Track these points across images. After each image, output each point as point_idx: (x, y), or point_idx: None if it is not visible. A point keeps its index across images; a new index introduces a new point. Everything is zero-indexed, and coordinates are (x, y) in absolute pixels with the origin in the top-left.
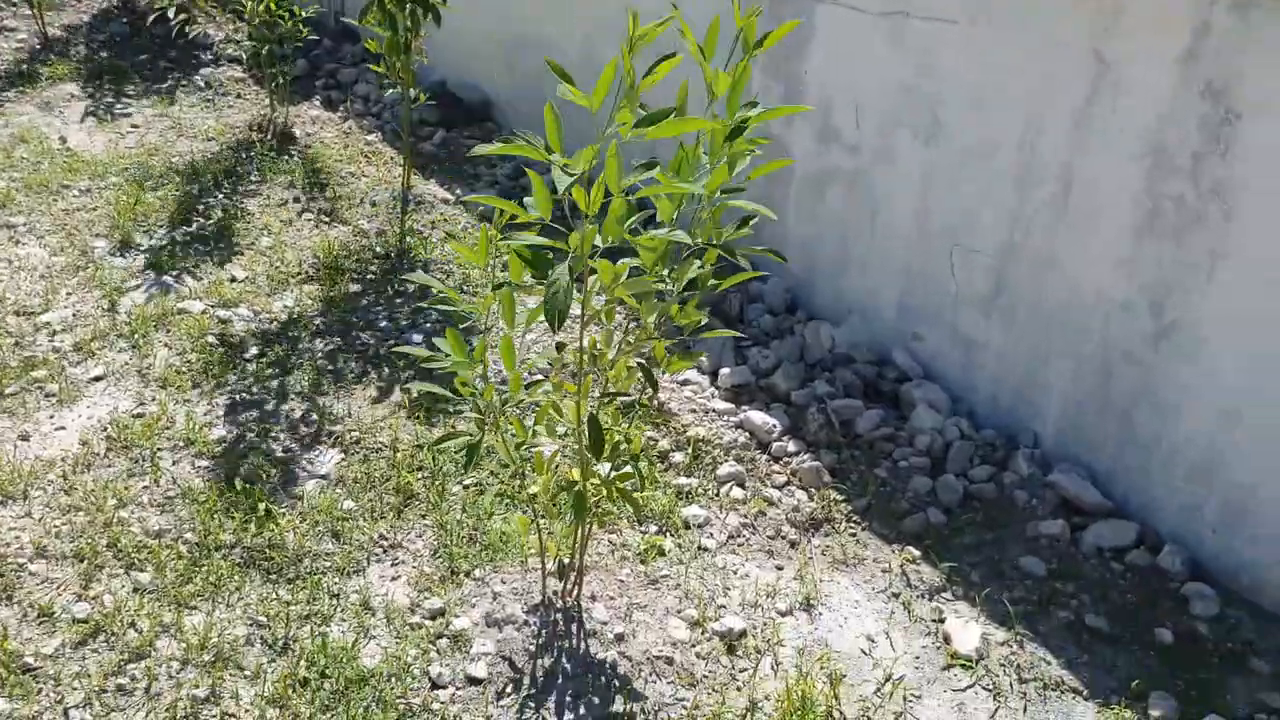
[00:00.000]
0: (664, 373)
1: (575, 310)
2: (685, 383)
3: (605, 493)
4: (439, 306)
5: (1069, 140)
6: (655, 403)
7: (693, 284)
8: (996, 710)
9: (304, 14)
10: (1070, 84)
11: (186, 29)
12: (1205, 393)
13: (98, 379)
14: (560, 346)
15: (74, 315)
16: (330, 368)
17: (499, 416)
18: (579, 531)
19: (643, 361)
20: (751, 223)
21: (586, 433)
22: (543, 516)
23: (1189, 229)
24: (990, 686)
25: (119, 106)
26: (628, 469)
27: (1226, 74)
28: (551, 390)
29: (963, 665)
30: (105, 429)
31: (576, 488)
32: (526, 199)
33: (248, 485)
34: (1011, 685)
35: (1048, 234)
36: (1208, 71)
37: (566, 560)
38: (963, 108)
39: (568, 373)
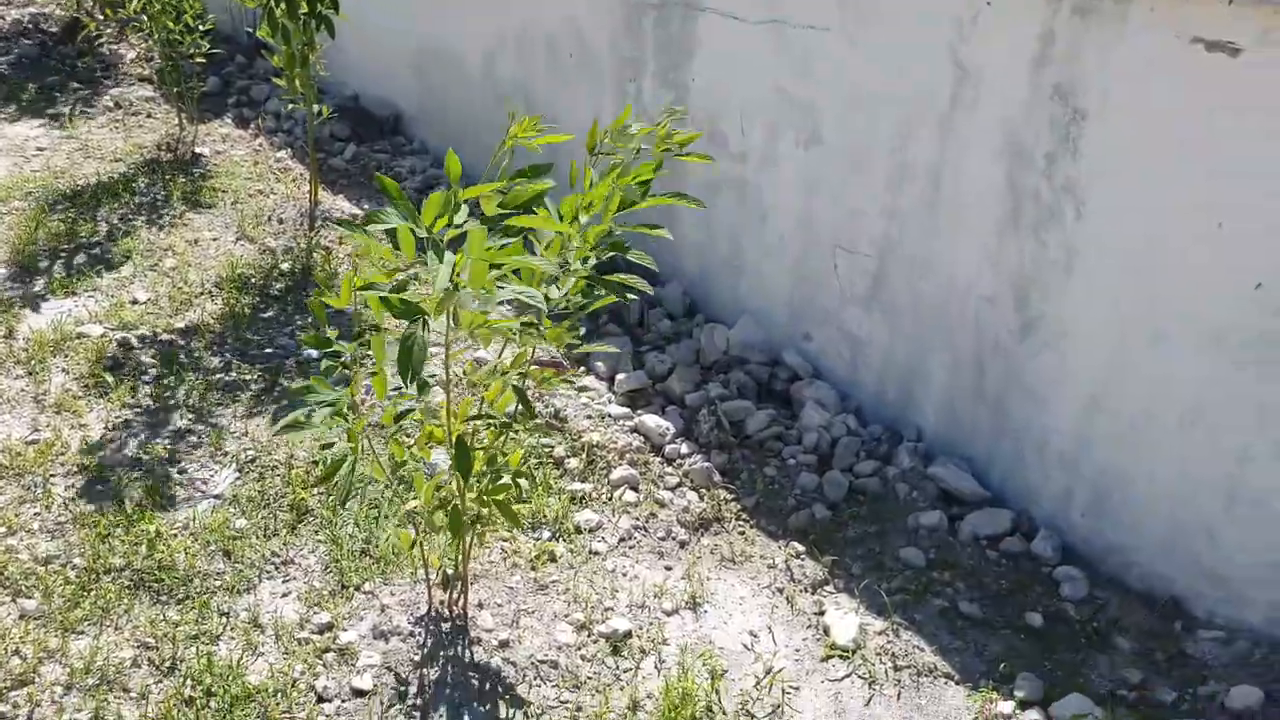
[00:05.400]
0: (540, 391)
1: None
2: (583, 389)
3: (483, 507)
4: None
5: (936, 142)
6: (551, 411)
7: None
8: (871, 698)
9: (202, 28)
10: (934, 86)
11: (97, 48)
12: (1069, 382)
13: None
14: (423, 386)
15: None
16: (229, 387)
17: (370, 441)
18: (460, 544)
19: (517, 384)
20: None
21: (455, 454)
22: (424, 530)
23: (1046, 225)
24: (866, 675)
25: (25, 129)
26: (504, 482)
27: (1072, 76)
28: (422, 416)
29: (840, 656)
30: None
31: (452, 504)
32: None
33: (139, 508)
34: (886, 673)
35: (921, 233)
36: (1056, 74)
37: (451, 571)
38: (839, 112)
39: (457, 393)
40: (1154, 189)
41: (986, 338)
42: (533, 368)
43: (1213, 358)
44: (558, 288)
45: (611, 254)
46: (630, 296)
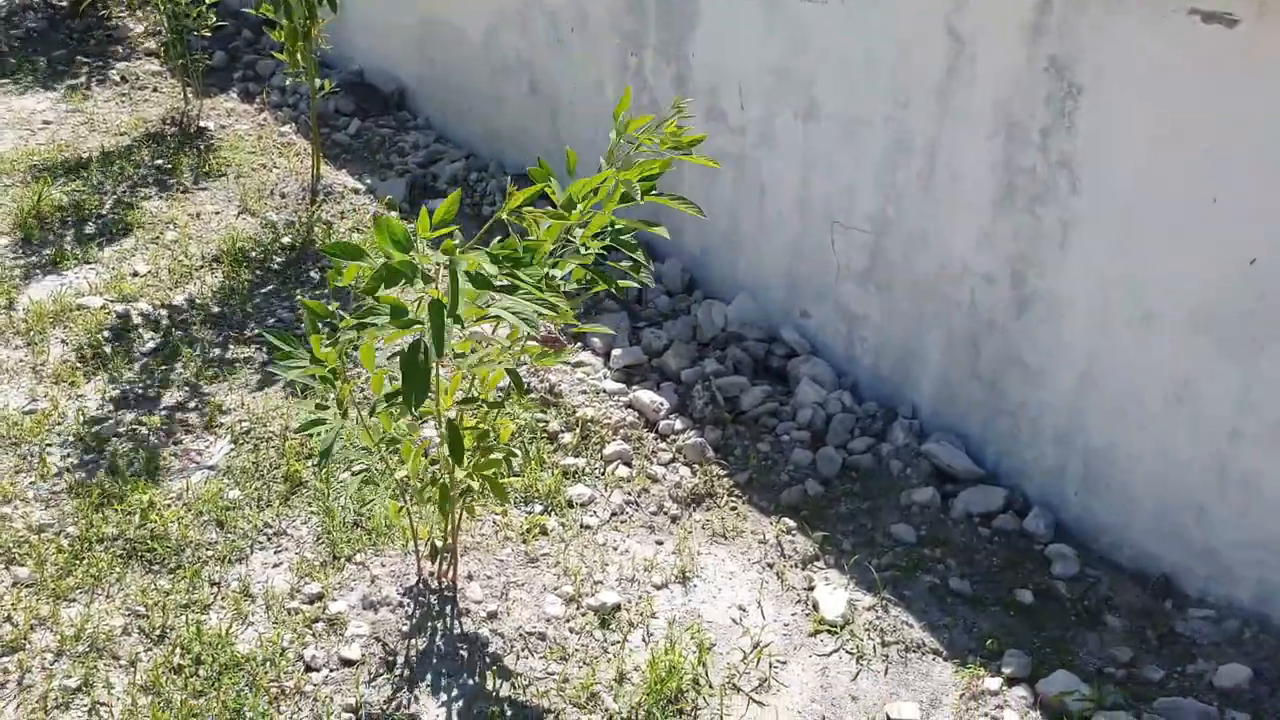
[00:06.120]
0: (536, 367)
1: None
2: (579, 364)
3: (473, 482)
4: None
5: (933, 116)
6: (546, 386)
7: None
8: (858, 673)
9: (209, 2)
10: (930, 60)
11: (105, 23)
12: (1064, 359)
13: None
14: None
15: None
16: (226, 359)
17: (357, 409)
18: (449, 516)
19: (510, 364)
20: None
21: (447, 439)
22: (413, 501)
23: (1041, 201)
24: (854, 650)
25: (32, 102)
26: (494, 457)
27: (1068, 48)
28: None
29: (829, 631)
30: None
31: (440, 481)
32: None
33: (134, 478)
34: (874, 648)
35: (917, 209)
36: (1051, 46)
37: (440, 543)
38: (836, 86)
39: (447, 371)
40: (1148, 164)
41: (982, 314)
42: (529, 344)
43: (1202, 335)
44: (558, 269)
45: (611, 240)
46: (630, 281)
